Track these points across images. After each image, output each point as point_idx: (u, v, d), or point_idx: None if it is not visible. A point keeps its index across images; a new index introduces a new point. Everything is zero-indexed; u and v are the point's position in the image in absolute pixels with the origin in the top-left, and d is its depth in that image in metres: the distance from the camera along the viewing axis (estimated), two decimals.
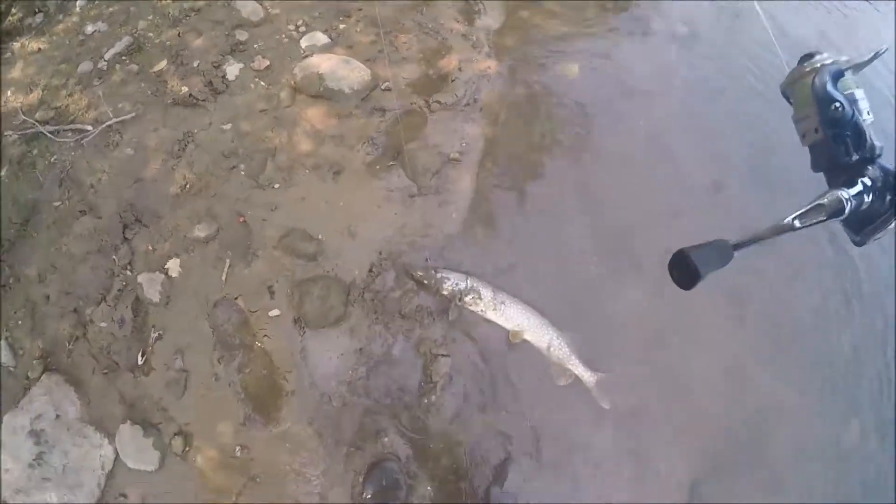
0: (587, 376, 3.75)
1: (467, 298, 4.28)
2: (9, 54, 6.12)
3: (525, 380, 3.78)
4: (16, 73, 5.90)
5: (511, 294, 4.40)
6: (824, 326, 3.90)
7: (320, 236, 4.59)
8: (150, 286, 4.53)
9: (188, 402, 3.72)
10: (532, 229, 4.55)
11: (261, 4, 5.50)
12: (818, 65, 1.29)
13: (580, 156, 4.82)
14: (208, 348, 3.84)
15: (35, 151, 4.62)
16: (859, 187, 1.07)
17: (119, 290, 4.56)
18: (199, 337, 3.88)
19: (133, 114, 5.26)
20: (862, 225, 1.14)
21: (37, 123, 4.55)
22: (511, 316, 3.91)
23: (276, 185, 4.76)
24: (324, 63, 5.03)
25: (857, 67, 1.33)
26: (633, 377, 3.74)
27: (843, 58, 1.39)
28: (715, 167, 4.91)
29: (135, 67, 5.66)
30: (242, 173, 4.85)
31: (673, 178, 4.74)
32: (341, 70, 5.02)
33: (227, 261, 4.58)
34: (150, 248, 4.73)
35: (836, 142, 1.22)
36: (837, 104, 1.18)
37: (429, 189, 4.57)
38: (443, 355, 4.09)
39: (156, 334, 4.35)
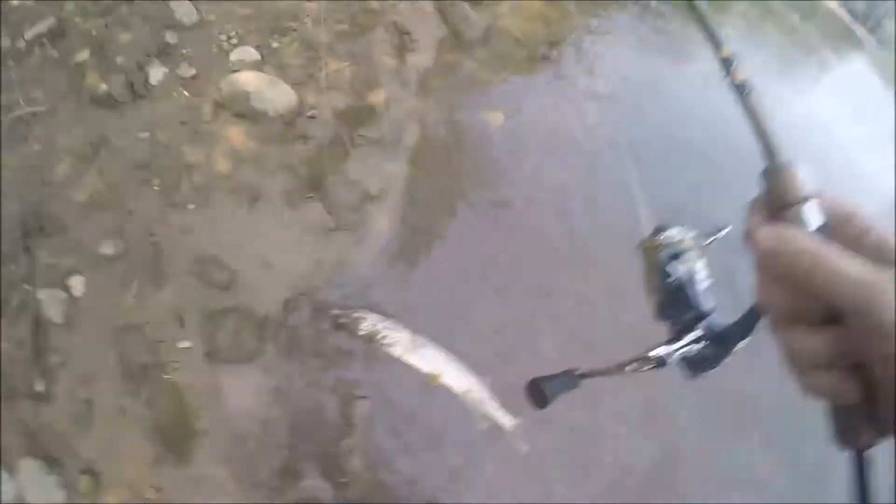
0: (505, 421, 4.04)
1: (385, 340, 4.46)
2: None
3: (447, 423, 4.03)
4: None
5: (429, 338, 4.62)
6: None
7: (234, 265, 4.59)
8: (52, 304, 4.37)
9: (94, 437, 3.43)
10: (451, 275, 4.76)
11: (196, 7, 5.21)
12: (664, 243, 1.57)
13: (499, 209, 5.04)
14: (115, 378, 3.57)
15: None
16: (685, 341, 1.38)
17: (17, 305, 4.42)
18: (104, 365, 3.62)
19: (45, 106, 4.93)
20: (694, 366, 1.45)
21: None
22: (429, 359, 3.94)
23: (191, 206, 4.67)
24: (252, 81, 4.89)
25: (701, 247, 1.62)
26: (548, 421, 4.06)
27: (690, 235, 1.65)
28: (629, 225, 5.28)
29: (55, 53, 5.26)
30: (156, 188, 4.70)
31: (588, 233, 5.09)
32: (268, 91, 4.91)
33: (136, 282, 4.52)
34: (53, 261, 4.57)
35: (672, 305, 1.50)
36: (672, 280, 1.47)
37: (347, 225, 4.65)
38: (361, 397, 4.24)
39: (58, 359, 4.29)
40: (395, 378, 4.02)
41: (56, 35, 5.28)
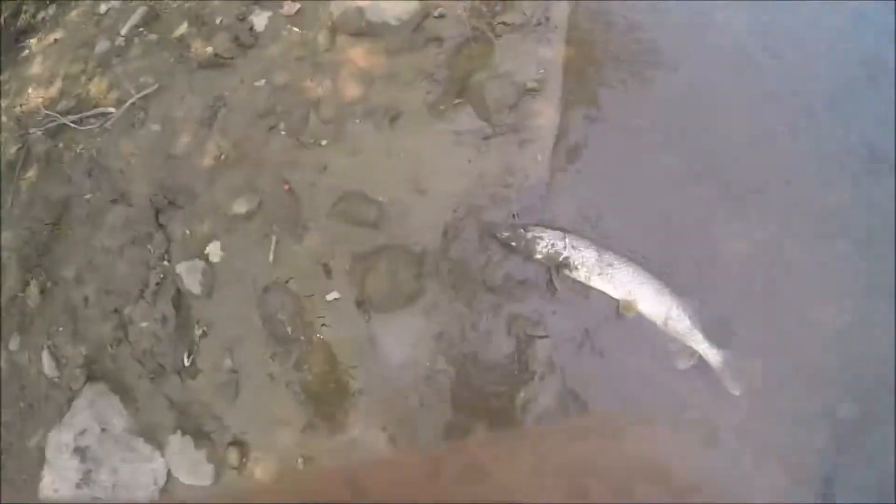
0: (712, 355, 2.98)
1: (566, 261, 3.36)
2: (27, 52, 5.58)
3: (641, 363, 3.01)
4: (35, 68, 5.33)
5: (618, 253, 3.43)
6: None
7: (381, 197, 3.73)
8: (190, 276, 3.87)
9: (242, 408, 3.23)
10: (634, 173, 3.55)
11: None
12: None
13: (672, 76, 3.77)
14: (260, 343, 3.35)
15: (61, 145, 4.21)
16: None
17: (157, 283, 3.90)
18: (248, 330, 3.40)
19: (156, 86, 4.58)
20: None
21: (58, 116, 4.20)
22: (621, 282, 3.27)
23: (324, 142, 3.94)
24: None
25: None
26: (759, 349, 2.96)
27: None
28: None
29: (154, 37, 4.97)
30: (283, 133, 4.05)
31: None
32: (383, 1, 4.09)
33: (274, 237, 3.81)
34: (188, 232, 4.04)
35: None
36: None
37: (505, 128, 3.60)
38: (540, 336, 3.16)
39: (200, 330, 3.67)
40: (582, 309, 3.36)
41: (150, 20, 5.01)
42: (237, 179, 4.04)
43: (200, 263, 3.91)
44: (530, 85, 3.89)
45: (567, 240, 3.48)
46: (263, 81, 4.31)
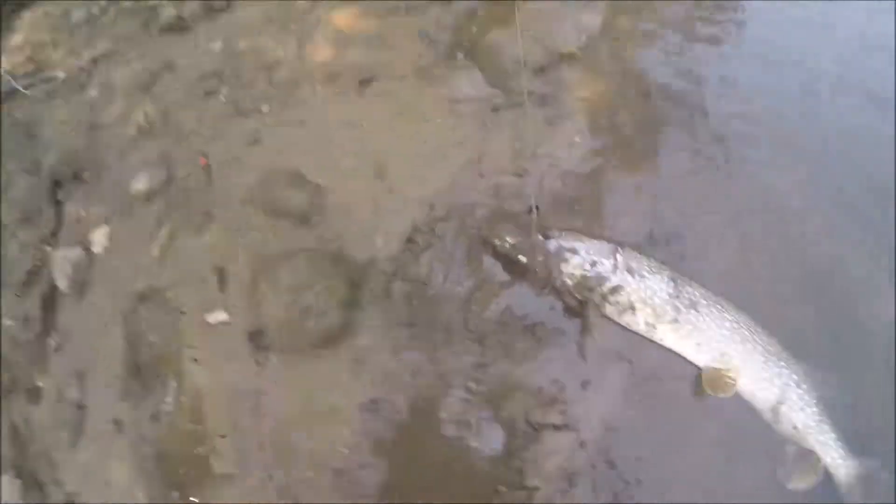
0: (848, 469, 1.91)
1: (615, 293, 1.79)
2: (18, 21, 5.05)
3: (733, 479, 1.87)
4: (17, 39, 4.71)
5: (707, 288, 1.86)
6: None
7: (321, 180, 2.37)
8: (62, 268, 2.74)
9: (79, 460, 2.29)
10: (717, 167, 2.07)
11: None
12: None
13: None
14: (115, 373, 2.37)
15: (17, 112, 3.59)
16: None
17: (29, 272, 2.66)
18: (106, 352, 2.42)
19: (104, 49, 3.65)
20: None
21: (11, 79, 3.65)
22: (709, 336, 2.05)
23: (265, 109, 2.71)
24: None
25: None
26: None
27: None
28: None
29: (128, 4, 4.16)
30: (222, 98, 2.90)
31: None
32: None
33: (167, 227, 2.46)
34: (83, 212, 2.83)
35: None
36: None
37: (528, 97, 2.23)
38: (556, 427, 1.96)
39: (54, 342, 2.38)
40: (634, 381, 2.01)
41: None
42: (151, 151, 2.82)
43: (78, 253, 2.74)
44: (568, 50, 2.55)
45: (619, 257, 1.97)
46: (220, 45, 3.23)
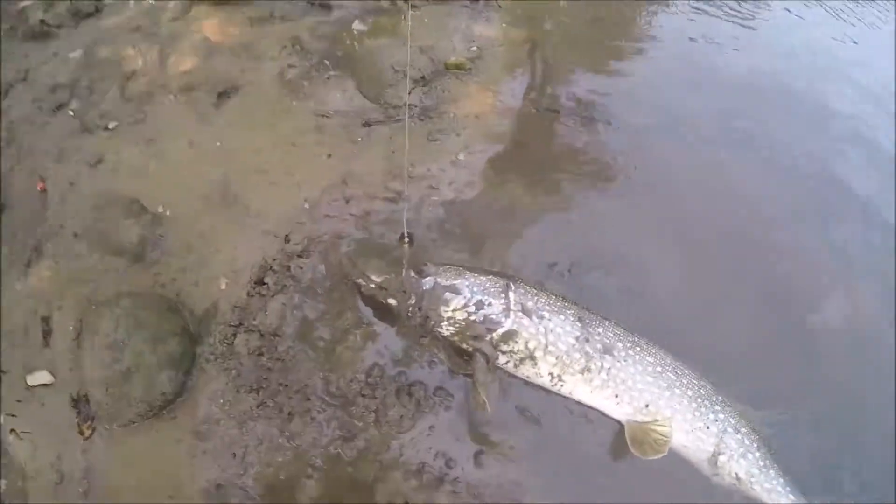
0: None
1: (510, 344, 1.44)
2: None
3: None
4: None
5: (620, 327, 1.54)
6: None
7: (162, 208, 1.93)
8: None
9: None
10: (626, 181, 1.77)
11: None
12: None
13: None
14: None
15: None
16: None
17: None
18: None
19: None
20: None
21: None
22: (628, 385, 1.73)
23: (112, 125, 2.26)
24: None
25: None
26: None
27: None
28: None
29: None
30: (70, 113, 2.39)
31: None
32: None
33: None
34: None
35: None
36: None
37: (406, 112, 1.85)
38: None
39: None
40: (543, 450, 1.72)
41: None
42: None
43: None
44: (456, 61, 2.20)
45: (512, 295, 1.63)
46: (80, 53, 2.76)
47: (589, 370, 1.66)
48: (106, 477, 1.72)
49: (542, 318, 1.65)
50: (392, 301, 1.66)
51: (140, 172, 2.12)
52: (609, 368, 1.68)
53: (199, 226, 1.95)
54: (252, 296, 1.79)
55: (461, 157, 1.99)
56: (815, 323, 1.95)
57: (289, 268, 1.81)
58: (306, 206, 1.90)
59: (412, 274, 1.64)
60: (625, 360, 1.70)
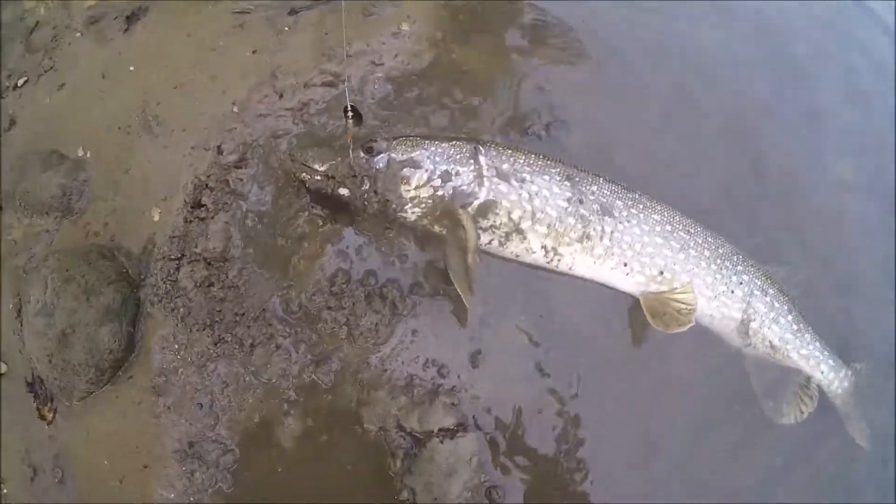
0: (840, 382, 1.53)
1: (490, 218, 1.16)
2: None
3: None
4: None
5: (613, 181, 1.24)
6: None
7: (81, 151, 1.60)
8: None
9: None
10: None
11: None
12: None
13: None
14: None
15: None
16: None
17: None
18: None
19: None
20: None
21: None
22: (637, 250, 1.45)
23: (21, 82, 1.99)
24: None
25: None
26: None
27: None
28: None
29: None
30: None
31: None
32: None
33: None
34: None
35: None
36: None
37: None
38: (446, 431, 1.33)
39: None
40: (547, 341, 1.46)
41: None
42: None
43: None
44: None
45: (483, 159, 1.34)
46: None
47: (588, 237, 1.32)
48: (77, 460, 1.48)
49: (522, 181, 1.30)
50: (344, 191, 1.32)
51: (54, 120, 1.79)
52: (611, 232, 1.33)
53: (122, 160, 1.62)
54: (190, 221, 1.47)
55: (404, 27, 1.61)
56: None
57: (227, 182, 1.48)
58: (235, 109, 1.55)
59: (361, 154, 1.29)
60: (628, 221, 1.35)
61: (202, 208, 1.48)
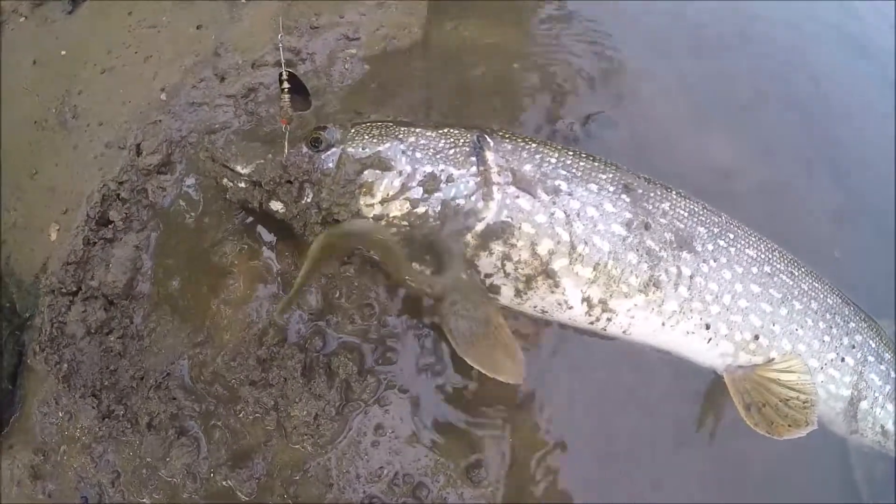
0: None
1: (501, 246, 0.78)
2: None
3: None
4: None
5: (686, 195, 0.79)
6: None
7: None
8: None
9: None
10: None
11: None
12: None
13: None
14: None
15: None
16: None
17: None
18: None
19: None
20: None
21: None
22: (726, 302, 0.87)
23: None
24: None
25: None
26: None
27: None
28: None
29: None
30: None
31: None
32: None
33: None
34: None
35: None
36: None
37: None
38: None
39: None
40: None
41: None
42: None
43: None
44: None
45: (490, 154, 0.88)
46: None
47: (657, 284, 0.78)
48: None
49: (556, 192, 0.78)
50: (275, 205, 0.81)
51: None
52: (690, 277, 0.78)
53: (31, 161, 1.16)
54: (92, 243, 0.99)
55: None
56: None
57: (144, 191, 1.00)
58: (163, 96, 1.08)
59: (302, 148, 0.79)
60: (714, 259, 0.81)
61: (108, 226, 1.00)
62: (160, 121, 1.06)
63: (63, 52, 1.36)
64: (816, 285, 1.02)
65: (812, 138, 1.23)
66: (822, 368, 0.99)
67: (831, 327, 0.98)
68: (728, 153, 1.14)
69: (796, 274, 0.97)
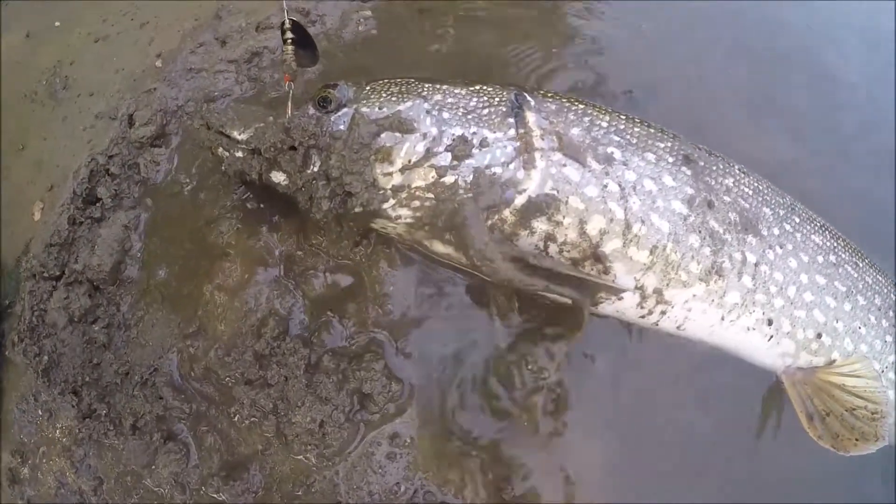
0: None
1: (544, 223, 0.64)
2: None
3: None
4: None
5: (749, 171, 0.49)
6: None
7: None
8: None
9: None
10: None
11: None
12: None
13: None
14: None
15: None
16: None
17: None
18: None
19: None
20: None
21: None
22: (795, 296, 0.69)
23: None
24: None
25: None
26: None
27: None
28: None
29: None
30: None
31: None
32: None
33: None
34: None
35: None
36: None
37: None
38: None
39: None
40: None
41: None
42: None
43: None
44: None
45: (532, 115, 0.68)
46: None
47: (720, 272, 0.60)
48: None
49: (609, 160, 0.60)
50: (278, 176, 0.65)
51: None
52: (755, 265, 0.60)
53: (19, 137, 1.00)
54: (78, 223, 0.83)
55: None
56: None
57: (136, 165, 0.84)
58: (158, 63, 0.91)
59: (308, 109, 0.62)
60: (780, 246, 0.62)
61: (96, 204, 0.84)
62: (155, 89, 0.90)
63: (57, 24, 1.21)
64: (880, 279, 0.85)
65: None
66: (882, 372, 0.81)
67: (893, 325, 0.81)
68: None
69: (860, 265, 0.80)
